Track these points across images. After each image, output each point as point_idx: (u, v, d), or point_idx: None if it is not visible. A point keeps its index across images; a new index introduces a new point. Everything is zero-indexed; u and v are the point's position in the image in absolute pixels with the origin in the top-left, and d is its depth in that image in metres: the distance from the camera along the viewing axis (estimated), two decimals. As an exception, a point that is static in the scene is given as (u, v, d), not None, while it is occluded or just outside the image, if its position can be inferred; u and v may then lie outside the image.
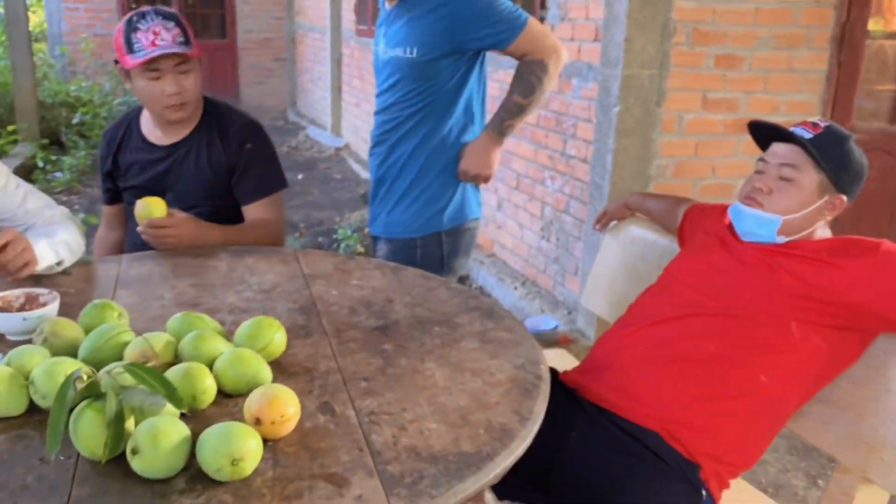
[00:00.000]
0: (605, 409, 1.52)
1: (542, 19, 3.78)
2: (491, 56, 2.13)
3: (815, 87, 3.38)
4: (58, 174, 6.29)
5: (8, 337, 1.32)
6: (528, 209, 4.04)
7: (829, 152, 1.51)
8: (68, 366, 1.07)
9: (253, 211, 2.03)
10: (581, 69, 3.43)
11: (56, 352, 1.18)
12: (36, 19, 11.66)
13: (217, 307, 1.51)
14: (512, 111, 2.01)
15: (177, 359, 1.19)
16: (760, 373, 1.45)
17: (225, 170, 2.02)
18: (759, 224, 1.55)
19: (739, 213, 1.58)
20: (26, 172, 6.19)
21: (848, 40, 3.35)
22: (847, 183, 1.53)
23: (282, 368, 1.25)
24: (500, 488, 1.51)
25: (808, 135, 1.53)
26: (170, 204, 2.03)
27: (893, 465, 1.41)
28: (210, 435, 0.95)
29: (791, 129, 1.56)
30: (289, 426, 1.04)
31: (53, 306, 1.33)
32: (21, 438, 1.03)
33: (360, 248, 4.85)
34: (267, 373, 1.16)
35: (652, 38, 3.06)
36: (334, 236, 5.14)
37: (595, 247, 2.37)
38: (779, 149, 1.56)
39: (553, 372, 1.68)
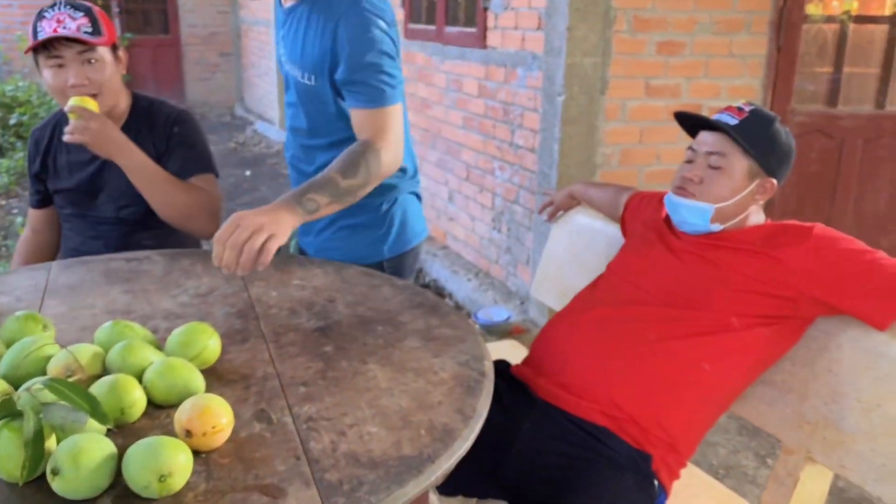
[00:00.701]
0: (553, 404, 1.51)
1: (485, 9, 3.76)
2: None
3: (755, 71, 3.43)
4: (-6, 178, 6.08)
5: (-76, 354, 1.25)
6: (479, 200, 4.03)
7: (754, 137, 1.52)
8: (-15, 384, 1.02)
9: None
10: (525, 58, 3.42)
11: (-27, 367, 1.12)
12: (-33, 17, 11.22)
13: (151, 314, 1.46)
14: (322, 186, 1.50)
15: (105, 371, 1.14)
16: (703, 361, 1.46)
17: (156, 160, 1.95)
18: (692, 213, 1.55)
19: (673, 203, 1.59)
20: (-40, 177, 5.97)
21: (786, 24, 3.40)
22: (776, 166, 1.54)
23: (217, 376, 1.21)
24: (451, 481, 1.49)
25: (733, 121, 1.53)
26: (103, 204, 1.97)
27: (836, 445, 1.43)
28: (136, 451, 0.91)
29: (716, 116, 1.56)
30: (221, 437, 1.00)
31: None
32: (-65, 463, 0.97)
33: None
34: (199, 382, 1.12)
35: (593, 27, 3.06)
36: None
37: (545, 237, 2.36)
38: (706, 137, 1.57)
39: (506, 364, 1.67)
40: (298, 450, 1.01)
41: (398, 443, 1.03)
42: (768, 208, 1.62)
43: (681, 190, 1.57)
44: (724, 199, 1.53)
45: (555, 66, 3.14)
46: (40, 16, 1.80)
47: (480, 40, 3.84)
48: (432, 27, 4.42)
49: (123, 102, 1.97)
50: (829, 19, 3.72)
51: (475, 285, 3.86)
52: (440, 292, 4.19)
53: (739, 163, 1.52)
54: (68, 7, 1.80)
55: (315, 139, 1.78)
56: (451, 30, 4.24)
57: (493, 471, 1.49)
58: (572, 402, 1.48)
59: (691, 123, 1.63)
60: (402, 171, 1.78)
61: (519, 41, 3.48)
